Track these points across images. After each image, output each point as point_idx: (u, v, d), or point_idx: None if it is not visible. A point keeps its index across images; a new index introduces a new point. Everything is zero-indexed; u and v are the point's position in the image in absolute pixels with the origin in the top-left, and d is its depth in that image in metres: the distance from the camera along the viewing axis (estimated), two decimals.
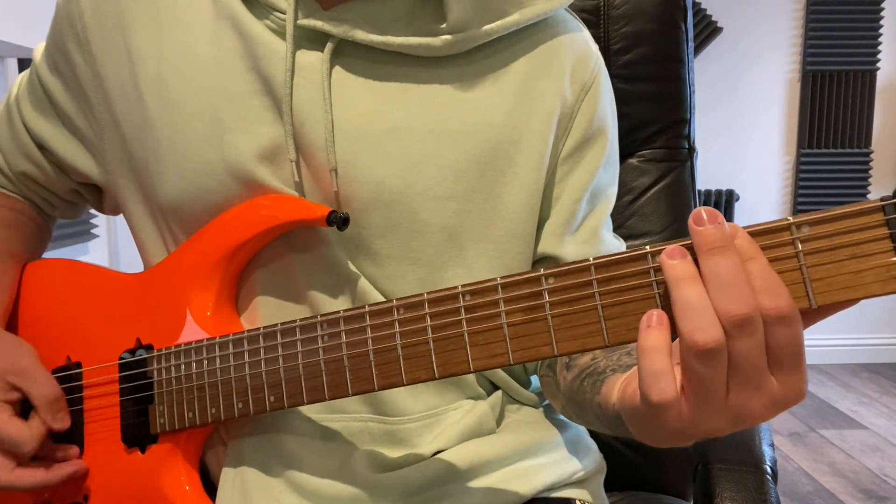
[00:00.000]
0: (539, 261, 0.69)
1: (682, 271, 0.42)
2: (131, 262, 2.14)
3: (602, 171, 0.69)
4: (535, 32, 0.66)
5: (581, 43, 0.69)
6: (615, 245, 0.72)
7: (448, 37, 0.62)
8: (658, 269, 0.46)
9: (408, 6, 0.63)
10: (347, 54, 0.63)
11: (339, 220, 0.61)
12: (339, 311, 0.57)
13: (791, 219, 0.43)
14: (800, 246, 0.43)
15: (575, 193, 0.68)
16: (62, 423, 0.67)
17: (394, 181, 0.62)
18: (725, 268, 0.41)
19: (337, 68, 0.63)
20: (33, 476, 0.66)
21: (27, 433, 0.65)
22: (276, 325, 0.60)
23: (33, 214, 0.79)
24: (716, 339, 0.41)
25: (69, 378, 0.70)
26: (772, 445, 0.80)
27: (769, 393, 0.42)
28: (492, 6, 0.64)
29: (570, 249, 0.68)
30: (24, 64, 1.74)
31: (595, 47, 0.71)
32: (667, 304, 0.45)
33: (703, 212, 0.42)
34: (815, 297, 0.43)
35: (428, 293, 0.53)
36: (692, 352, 0.41)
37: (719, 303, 0.41)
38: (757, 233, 0.44)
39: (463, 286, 0.52)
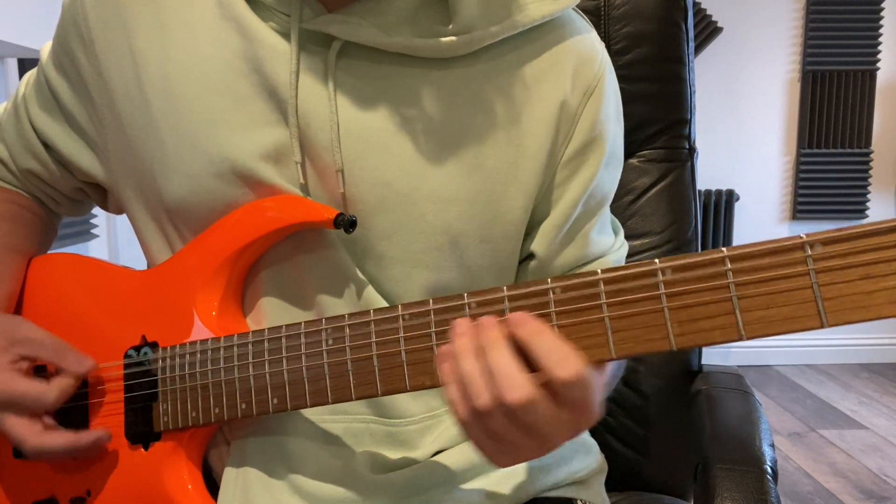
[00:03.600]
0: (525, 259, 0.69)
1: (460, 346, 0.50)
2: (131, 263, 2.13)
3: (600, 174, 0.68)
4: (541, 34, 0.66)
5: (586, 44, 0.68)
6: (604, 244, 0.71)
7: (454, 38, 0.62)
8: (667, 284, 0.46)
9: (413, 8, 0.63)
10: (352, 56, 0.63)
11: (346, 223, 0.60)
12: (344, 317, 0.57)
13: (804, 237, 0.43)
14: (812, 265, 0.43)
15: (573, 198, 0.67)
16: (85, 363, 0.67)
17: (400, 183, 0.62)
18: (468, 367, 0.49)
19: (342, 70, 0.63)
20: (63, 438, 0.65)
21: (45, 387, 0.65)
22: (280, 327, 0.60)
23: (37, 210, 0.79)
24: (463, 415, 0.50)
25: None
26: (772, 445, 0.80)
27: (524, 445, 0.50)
28: (498, 7, 0.63)
29: (556, 250, 0.68)
30: (24, 64, 1.74)
31: (601, 47, 0.70)
32: (676, 320, 0.46)
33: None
34: (828, 315, 0.43)
35: (434, 300, 0.53)
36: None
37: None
38: (769, 251, 0.44)
39: (469, 295, 0.52)
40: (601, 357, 0.48)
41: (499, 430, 0.49)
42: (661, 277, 0.46)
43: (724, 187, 3.38)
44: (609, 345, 0.48)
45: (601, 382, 0.53)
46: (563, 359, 0.47)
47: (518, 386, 0.47)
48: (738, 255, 0.45)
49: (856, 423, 2.80)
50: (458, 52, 0.63)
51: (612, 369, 0.63)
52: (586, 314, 0.48)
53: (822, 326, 0.43)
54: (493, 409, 0.48)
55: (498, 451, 0.52)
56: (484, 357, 0.49)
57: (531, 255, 0.69)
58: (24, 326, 0.68)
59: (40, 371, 0.68)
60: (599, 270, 0.48)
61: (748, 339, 0.45)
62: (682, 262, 0.46)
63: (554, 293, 0.49)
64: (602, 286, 0.48)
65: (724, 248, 0.45)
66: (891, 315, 0.42)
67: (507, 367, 0.48)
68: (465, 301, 0.52)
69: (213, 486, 0.67)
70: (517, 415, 0.48)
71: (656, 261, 0.46)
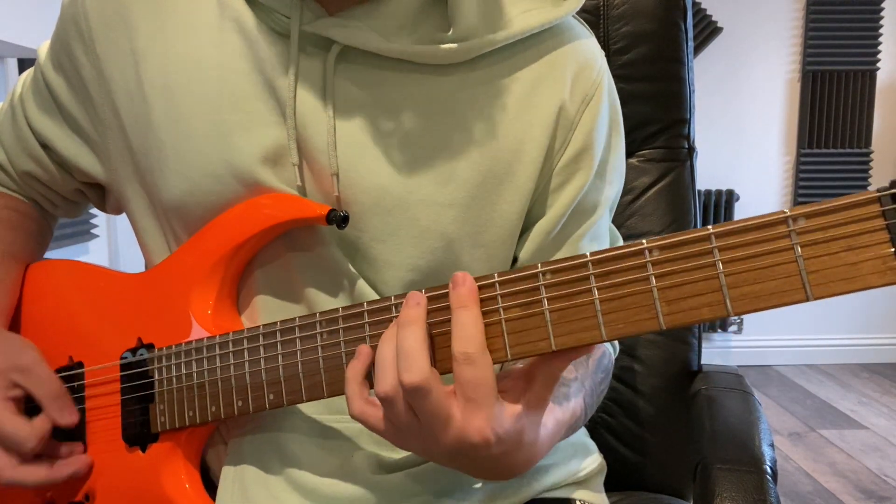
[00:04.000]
0: (514, 262, 0.69)
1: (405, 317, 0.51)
2: (131, 262, 2.14)
3: (591, 182, 0.68)
4: (540, 41, 0.66)
5: (586, 50, 0.68)
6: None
7: (453, 45, 0.62)
8: (655, 263, 0.46)
9: (413, 14, 0.63)
10: (351, 60, 0.63)
11: (338, 219, 0.61)
12: (337, 310, 0.57)
13: (787, 211, 0.43)
14: (796, 238, 0.43)
15: (564, 204, 0.67)
16: (69, 417, 0.67)
17: (395, 187, 0.62)
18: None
19: (340, 74, 0.63)
20: (37, 472, 0.66)
21: (28, 430, 0.65)
22: (275, 323, 0.60)
23: (35, 215, 0.79)
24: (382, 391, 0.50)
25: (71, 378, 0.70)
26: (772, 445, 0.80)
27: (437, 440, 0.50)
28: (497, 15, 0.63)
29: (543, 257, 0.68)
30: (24, 64, 1.74)
31: (600, 54, 0.70)
32: (664, 299, 0.46)
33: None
34: (812, 289, 0.42)
35: (425, 290, 0.53)
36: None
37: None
38: (753, 227, 0.44)
39: None
40: (592, 340, 0.48)
41: (399, 415, 0.50)
42: (648, 257, 0.46)
43: (724, 187, 3.38)
44: (600, 327, 0.48)
45: (542, 421, 0.54)
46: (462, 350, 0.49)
47: (416, 369, 0.48)
48: (723, 232, 0.45)
49: (856, 423, 2.80)
50: (456, 58, 0.62)
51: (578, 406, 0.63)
52: (577, 297, 0.48)
53: (807, 300, 0.43)
54: (394, 390, 0.49)
55: (397, 435, 0.52)
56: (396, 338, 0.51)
57: (515, 260, 0.68)
58: (29, 355, 0.68)
59: (29, 401, 0.68)
60: (588, 253, 0.48)
61: (735, 314, 0.45)
62: (669, 241, 0.46)
63: (544, 277, 0.49)
64: (591, 268, 0.48)
65: (709, 226, 0.45)
66: (876, 285, 0.41)
67: (411, 347, 0.49)
68: None
69: (210, 486, 0.67)
70: (413, 398, 0.49)
71: (643, 241, 0.46)
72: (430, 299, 0.52)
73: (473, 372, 0.49)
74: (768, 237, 0.44)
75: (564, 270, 0.49)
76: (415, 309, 0.51)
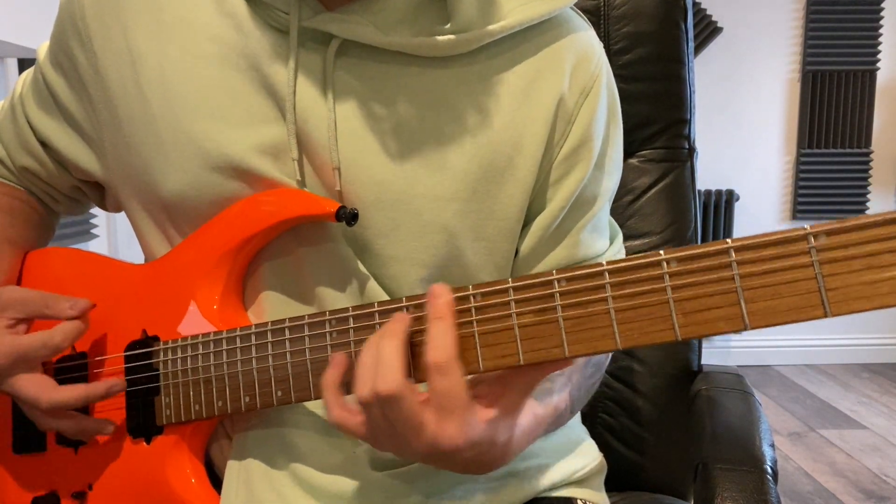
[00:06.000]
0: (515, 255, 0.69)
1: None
2: (131, 261, 2.13)
3: (590, 174, 0.68)
4: (538, 33, 0.66)
5: (584, 43, 0.68)
6: (596, 247, 0.71)
7: (452, 36, 0.62)
8: (672, 275, 0.46)
9: (411, 7, 0.63)
10: (351, 54, 0.63)
11: (348, 216, 0.61)
12: (348, 309, 0.57)
13: (808, 228, 0.44)
14: (816, 255, 0.43)
15: (564, 197, 0.67)
16: (77, 305, 0.65)
17: (397, 181, 0.62)
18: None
19: (340, 68, 0.63)
20: (76, 390, 0.64)
21: (47, 332, 0.64)
22: (283, 320, 0.60)
23: (35, 204, 0.79)
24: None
25: (75, 368, 0.70)
26: (772, 445, 0.80)
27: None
28: (496, 6, 0.63)
29: (543, 251, 0.68)
30: (24, 64, 1.74)
31: (599, 46, 0.70)
32: (681, 311, 0.46)
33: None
34: (831, 306, 0.43)
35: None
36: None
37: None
38: (773, 242, 0.44)
39: (474, 287, 0.52)
40: (607, 348, 0.48)
41: (375, 420, 0.52)
42: (665, 268, 0.46)
43: (724, 187, 3.38)
44: (615, 336, 0.48)
45: (516, 423, 0.55)
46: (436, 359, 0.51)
47: (391, 379, 0.50)
48: (742, 246, 0.45)
49: (856, 423, 2.80)
50: (455, 51, 0.63)
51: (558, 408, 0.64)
52: (591, 306, 0.49)
53: (825, 316, 0.43)
54: (371, 397, 0.51)
55: (375, 439, 0.54)
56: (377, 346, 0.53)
57: (516, 253, 0.69)
58: (9, 290, 0.67)
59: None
60: (605, 262, 0.48)
61: (752, 329, 0.45)
62: (687, 253, 0.46)
63: (559, 284, 0.49)
64: (607, 277, 0.48)
65: (728, 240, 0.46)
66: (894, 304, 0.42)
67: (388, 357, 0.51)
68: (470, 292, 0.52)
69: (215, 482, 0.67)
70: (386, 407, 0.51)
71: (661, 252, 0.47)
72: (415, 307, 0.54)
73: (444, 382, 0.50)
74: (788, 253, 0.44)
75: (580, 279, 0.49)
76: (397, 323, 0.53)
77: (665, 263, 0.47)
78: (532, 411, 0.57)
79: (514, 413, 0.53)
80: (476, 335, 0.52)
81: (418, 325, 0.54)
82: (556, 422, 0.63)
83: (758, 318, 0.45)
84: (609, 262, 0.48)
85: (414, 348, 0.54)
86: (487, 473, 0.56)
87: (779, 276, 0.44)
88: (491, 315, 0.51)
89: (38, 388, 0.64)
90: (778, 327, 0.44)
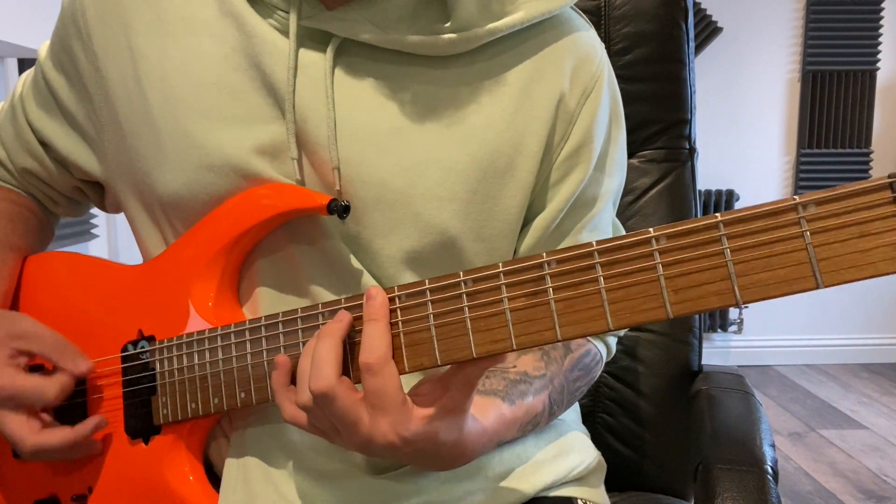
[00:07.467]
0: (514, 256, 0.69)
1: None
2: (131, 262, 2.13)
3: (591, 175, 0.68)
4: (539, 32, 0.66)
5: (585, 42, 0.68)
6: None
7: (452, 35, 0.62)
8: (662, 252, 0.46)
9: (411, 6, 0.63)
10: (351, 53, 0.63)
11: (340, 209, 0.60)
12: (340, 300, 0.57)
13: (797, 198, 0.43)
14: (806, 225, 0.42)
15: (564, 198, 0.67)
16: (83, 365, 0.66)
17: (396, 181, 0.62)
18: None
19: (340, 67, 0.63)
20: (61, 434, 0.64)
21: (43, 382, 0.64)
22: (277, 314, 0.60)
23: (35, 208, 0.79)
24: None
25: None
26: (773, 445, 0.80)
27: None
28: (496, 5, 0.63)
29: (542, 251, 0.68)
30: (24, 64, 1.74)
31: (600, 46, 0.69)
32: (672, 287, 0.46)
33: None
34: (822, 276, 0.42)
35: (429, 280, 0.53)
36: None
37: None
38: (763, 214, 0.43)
39: (465, 273, 0.52)
40: (599, 329, 0.48)
41: (319, 418, 0.54)
42: (655, 245, 0.46)
43: (724, 187, 3.38)
44: (606, 316, 0.47)
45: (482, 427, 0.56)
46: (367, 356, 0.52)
47: (324, 377, 0.51)
48: (732, 220, 0.44)
49: (856, 423, 2.80)
50: (455, 50, 0.63)
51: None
52: (582, 287, 0.48)
53: (817, 287, 0.42)
54: (307, 396, 0.53)
55: (324, 435, 0.56)
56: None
57: (515, 253, 0.68)
58: (24, 321, 0.68)
59: (36, 370, 0.68)
60: (594, 242, 0.48)
61: (744, 303, 0.44)
62: (677, 229, 0.46)
63: (549, 266, 0.49)
64: (597, 257, 0.48)
65: (718, 214, 0.45)
66: (887, 272, 0.41)
67: (323, 356, 0.52)
68: (461, 279, 0.52)
69: (213, 481, 0.67)
70: (322, 404, 0.52)
71: (650, 229, 0.46)
72: (355, 307, 0.55)
73: (376, 381, 0.52)
74: (778, 224, 0.43)
75: (570, 260, 0.49)
76: (335, 324, 0.54)
77: (654, 240, 0.46)
78: (497, 411, 0.57)
79: (457, 411, 0.53)
80: (468, 321, 0.51)
81: (359, 325, 0.55)
82: (533, 422, 0.64)
83: (749, 292, 0.44)
84: (598, 242, 0.48)
85: (352, 348, 0.55)
86: (454, 469, 0.57)
87: (769, 248, 0.43)
88: (482, 300, 0.51)
89: (23, 429, 0.64)
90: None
